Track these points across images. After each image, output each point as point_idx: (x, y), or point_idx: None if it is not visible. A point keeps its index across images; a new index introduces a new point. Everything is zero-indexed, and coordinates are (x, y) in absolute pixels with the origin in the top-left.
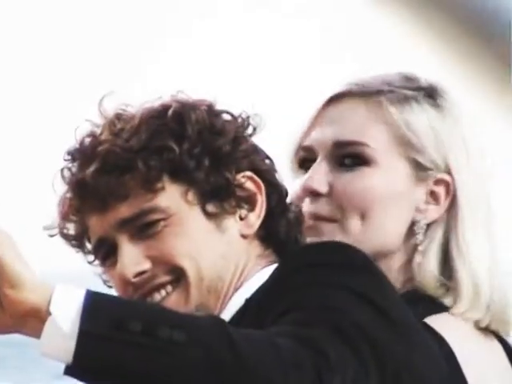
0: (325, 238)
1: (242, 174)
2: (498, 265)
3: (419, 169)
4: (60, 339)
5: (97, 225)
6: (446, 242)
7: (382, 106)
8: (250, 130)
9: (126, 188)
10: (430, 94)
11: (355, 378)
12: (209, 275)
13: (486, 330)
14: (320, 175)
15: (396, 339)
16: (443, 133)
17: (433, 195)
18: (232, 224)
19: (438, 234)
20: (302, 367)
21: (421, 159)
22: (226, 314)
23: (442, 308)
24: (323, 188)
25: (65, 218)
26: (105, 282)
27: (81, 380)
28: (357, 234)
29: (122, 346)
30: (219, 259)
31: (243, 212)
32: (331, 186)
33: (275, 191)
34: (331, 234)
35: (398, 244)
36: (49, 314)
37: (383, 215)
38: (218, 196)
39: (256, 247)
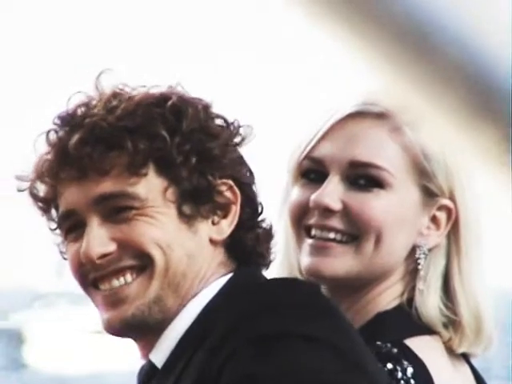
0: (336, 260)
1: (223, 181)
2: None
3: (428, 195)
4: None
5: (71, 195)
6: (447, 270)
7: (401, 130)
8: (238, 139)
9: (109, 164)
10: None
11: None
12: (174, 268)
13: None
14: (333, 192)
15: None
16: (451, 160)
17: (434, 220)
18: (203, 227)
19: (440, 261)
20: None
21: (431, 186)
22: (183, 320)
23: (422, 329)
24: (337, 205)
25: (40, 178)
26: (61, 252)
27: None
28: (369, 256)
29: None
30: (186, 257)
31: (216, 218)
32: (344, 204)
33: (250, 206)
34: (343, 255)
35: (398, 267)
36: None
37: (394, 239)
38: (197, 198)
39: (220, 254)
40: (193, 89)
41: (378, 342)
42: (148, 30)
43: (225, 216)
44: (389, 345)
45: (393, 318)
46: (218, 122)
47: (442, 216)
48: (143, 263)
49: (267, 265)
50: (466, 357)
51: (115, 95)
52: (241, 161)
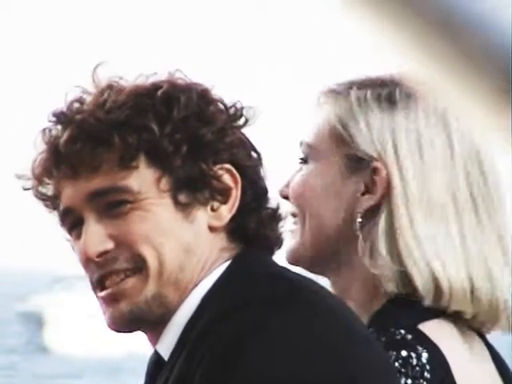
0: (291, 243)
1: (220, 166)
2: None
3: (353, 161)
4: None
5: (67, 193)
6: (390, 232)
7: (322, 106)
8: (241, 122)
9: (98, 160)
10: (371, 87)
11: None
12: (170, 266)
13: (471, 331)
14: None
15: None
16: (377, 125)
17: (368, 184)
18: (202, 214)
19: (377, 222)
20: None
21: (354, 152)
22: (184, 312)
23: (433, 313)
24: (284, 187)
25: (38, 177)
26: (72, 247)
27: None
28: (301, 230)
29: None
30: (183, 252)
31: (215, 204)
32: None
33: (252, 188)
34: (294, 236)
35: (347, 237)
36: None
37: (321, 209)
38: (192, 186)
39: (221, 240)
40: (205, 74)
41: (392, 329)
42: (149, 18)
43: (225, 201)
44: (403, 331)
45: (403, 304)
46: (217, 106)
47: (376, 179)
48: (138, 265)
49: (277, 245)
50: (482, 335)
51: (109, 87)
52: (241, 142)
